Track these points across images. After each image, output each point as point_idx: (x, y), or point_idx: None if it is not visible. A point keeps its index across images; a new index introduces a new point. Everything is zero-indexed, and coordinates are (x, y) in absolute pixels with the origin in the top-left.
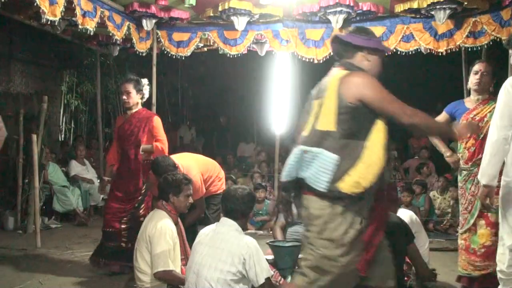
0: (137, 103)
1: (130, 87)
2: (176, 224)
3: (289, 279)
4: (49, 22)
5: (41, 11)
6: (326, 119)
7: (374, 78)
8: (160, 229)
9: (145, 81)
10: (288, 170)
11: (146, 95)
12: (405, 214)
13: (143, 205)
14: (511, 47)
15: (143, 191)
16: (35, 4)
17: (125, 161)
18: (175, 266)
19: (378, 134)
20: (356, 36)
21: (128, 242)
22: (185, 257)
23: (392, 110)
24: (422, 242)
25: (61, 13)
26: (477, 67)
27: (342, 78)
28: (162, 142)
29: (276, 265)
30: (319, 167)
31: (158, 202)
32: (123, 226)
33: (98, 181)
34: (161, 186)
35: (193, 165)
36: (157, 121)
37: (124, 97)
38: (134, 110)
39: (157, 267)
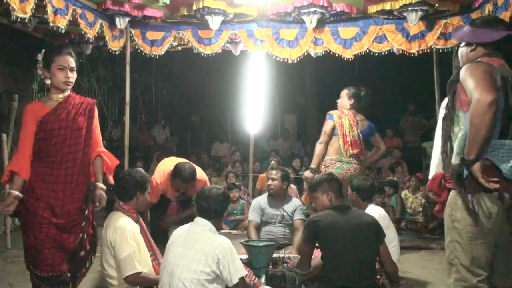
0: None
1: (74, 62)
2: (137, 221)
3: (263, 278)
4: (19, 20)
5: (11, 8)
6: None
7: None
8: (121, 233)
9: None
10: None
11: None
12: (374, 211)
13: (85, 235)
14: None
15: (86, 213)
16: (5, 1)
17: (62, 170)
18: (144, 265)
19: None
20: None
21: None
22: (152, 252)
23: None
24: (391, 239)
25: (31, 10)
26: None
27: None
28: (103, 146)
29: (250, 264)
30: None
31: (115, 203)
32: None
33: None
34: (127, 185)
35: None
36: (96, 111)
37: (69, 74)
38: (66, 94)
39: (125, 272)
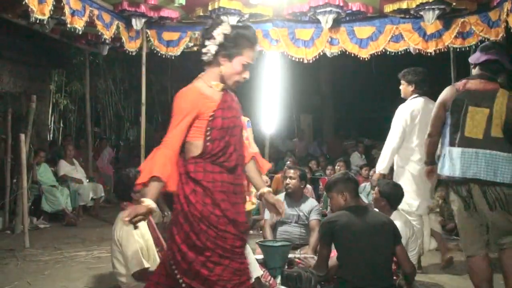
0: None
1: None
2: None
3: (278, 279)
4: (37, 21)
5: (29, 9)
6: (498, 128)
7: None
8: (127, 230)
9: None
10: (475, 170)
11: None
12: (400, 217)
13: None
14: (405, 79)
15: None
16: (24, 2)
17: (235, 177)
18: (153, 263)
19: None
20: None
21: None
22: (160, 248)
23: None
24: (414, 247)
25: (49, 11)
26: None
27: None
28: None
29: (266, 264)
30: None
31: (121, 203)
32: None
33: (87, 180)
34: (122, 189)
35: None
36: None
37: (248, 74)
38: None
39: (132, 268)
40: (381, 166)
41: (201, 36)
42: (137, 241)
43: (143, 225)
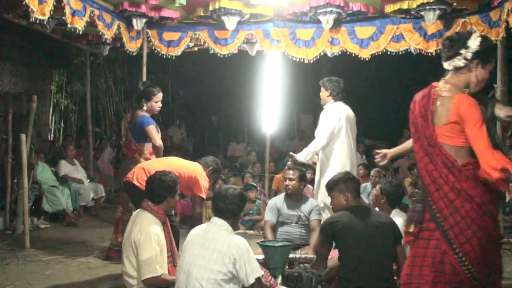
0: None
1: None
2: (164, 223)
3: (279, 279)
4: (38, 21)
5: (30, 10)
6: None
7: None
8: (146, 235)
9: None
10: None
11: None
12: (400, 215)
13: None
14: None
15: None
16: (24, 3)
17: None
18: (163, 268)
19: None
20: None
21: None
22: (171, 254)
23: None
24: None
25: (50, 12)
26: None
27: None
28: None
29: (266, 265)
30: None
31: (144, 202)
32: None
33: (88, 180)
34: (157, 190)
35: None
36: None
37: None
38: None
39: (144, 274)
40: (305, 158)
41: (448, 46)
42: (154, 247)
43: (160, 231)
